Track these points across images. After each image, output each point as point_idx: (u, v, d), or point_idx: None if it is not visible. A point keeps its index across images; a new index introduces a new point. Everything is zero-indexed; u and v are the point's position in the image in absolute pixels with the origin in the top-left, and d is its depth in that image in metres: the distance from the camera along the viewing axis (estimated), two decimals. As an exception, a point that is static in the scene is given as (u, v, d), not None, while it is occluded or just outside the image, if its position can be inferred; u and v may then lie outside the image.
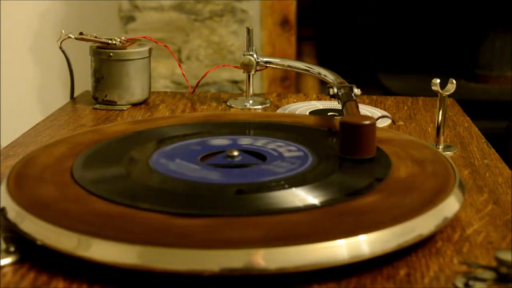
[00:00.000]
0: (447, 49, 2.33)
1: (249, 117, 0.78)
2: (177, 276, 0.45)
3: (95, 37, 0.90)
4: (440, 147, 0.73)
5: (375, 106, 0.92)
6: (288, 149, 0.63)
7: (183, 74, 0.98)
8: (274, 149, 0.64)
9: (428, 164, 0.60)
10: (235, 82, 1.82)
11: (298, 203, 0.52)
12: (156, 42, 0.96)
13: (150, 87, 0.93)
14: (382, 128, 0.73)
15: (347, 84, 0.77)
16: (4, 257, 0.48)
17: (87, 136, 0.68)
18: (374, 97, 0.97)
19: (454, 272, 0.47)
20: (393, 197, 0.53)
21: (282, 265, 0.44)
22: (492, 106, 2.02)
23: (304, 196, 0.53)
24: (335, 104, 0.89)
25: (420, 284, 0.46)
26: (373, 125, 0.60)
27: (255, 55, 0.90)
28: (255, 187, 0.54)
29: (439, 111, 0.72)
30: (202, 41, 1.80)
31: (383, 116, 0.74)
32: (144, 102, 0.93)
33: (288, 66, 0.93)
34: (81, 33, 0.90)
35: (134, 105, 0.91)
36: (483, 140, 0.78)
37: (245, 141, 0.66)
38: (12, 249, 0.49)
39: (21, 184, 0.56)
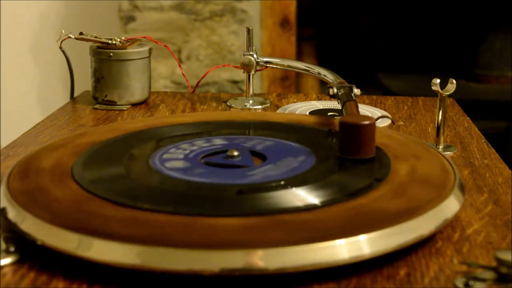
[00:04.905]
0: (447, 49, 2.33)
1: (249, 117, 0.78)
2: (177, 276, 0.45)
3: (95, 37, 0.90)
4: (440, 147, 0.73)
5: (375, 106, 0.92)
6: (288, 149, 0.63)
7: (183, 74, 0.98)
8: (274, 149, 0.63)
9: (428, 164, 0.60)
10: (235, 82, 1.82)
11: (298, 203, 0.52)
12: (156, 42, 0.96)
13: (150, 87, 0.93)
14: (381, 128, 0.73)
15: (347, 84, 0.77)
16: (4, 257, 0.48)
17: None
18: (374, 97, 0.97)
19: (454, 272, 0.47)
20: (393, 197, 0.53)
21: (282, 265, 0.44)
22: (492, 106, 2.03)
23: (304, 196, 0.53)
24: (335, 104, 0.89)
25: (420, 284, 0.46)
26: (372, 125, 0.60)
27: (255, 55, 0.90)
28: (255, 187, 0.54)
29: (439, 111, 0.72)
30: (202, 41, 1.80)
31: (382, 116, 0.74)
32: (144, 102, 0.93)
33: (288, 66, 0.93)
34: (81, 33, 0.90)
35: (134, 105, 0.91)
36: (483, 140, 0.78)
37: (245, 141, 0.66)
38: (12, 249, 0.49)
39: (21, 184, 0.56)
